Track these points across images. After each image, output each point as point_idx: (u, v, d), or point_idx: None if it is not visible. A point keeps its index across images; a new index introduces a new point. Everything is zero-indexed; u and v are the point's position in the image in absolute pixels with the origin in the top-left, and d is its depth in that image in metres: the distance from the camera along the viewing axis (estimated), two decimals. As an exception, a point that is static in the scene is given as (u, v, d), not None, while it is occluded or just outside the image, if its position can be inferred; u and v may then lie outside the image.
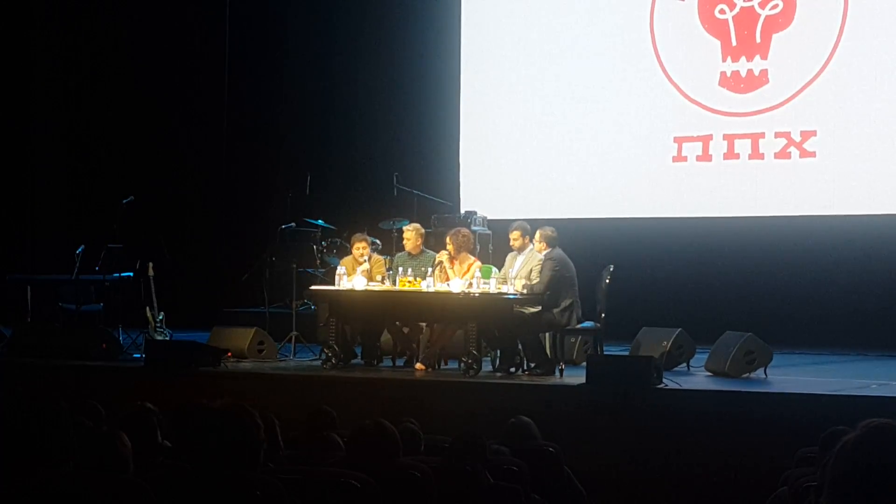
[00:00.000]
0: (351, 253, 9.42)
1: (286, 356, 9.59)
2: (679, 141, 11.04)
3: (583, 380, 7.77)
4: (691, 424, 7.16)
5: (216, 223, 13.07)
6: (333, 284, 9.08)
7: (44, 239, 13.13)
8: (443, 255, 8.95)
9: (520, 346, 8.62)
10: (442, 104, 12.17)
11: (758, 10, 10.72)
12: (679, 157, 11.04)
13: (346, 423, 5.26)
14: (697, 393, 7.72)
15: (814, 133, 10.52)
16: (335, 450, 4.79)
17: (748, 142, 10.77)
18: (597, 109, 11.41)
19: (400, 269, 8.94)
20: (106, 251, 10.51)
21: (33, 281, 11.44)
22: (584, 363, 8.24)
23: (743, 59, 10.77)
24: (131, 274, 10.59)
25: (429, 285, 8.59)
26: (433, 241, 9.59)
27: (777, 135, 10.65)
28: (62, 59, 13.53)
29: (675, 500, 6.90)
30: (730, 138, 10.84)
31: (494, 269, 9.04)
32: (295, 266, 10.16)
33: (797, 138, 10.59)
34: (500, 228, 9.63)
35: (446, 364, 8.93)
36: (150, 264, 10.16)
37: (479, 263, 8.94)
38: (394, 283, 8.84)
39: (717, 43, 10.88)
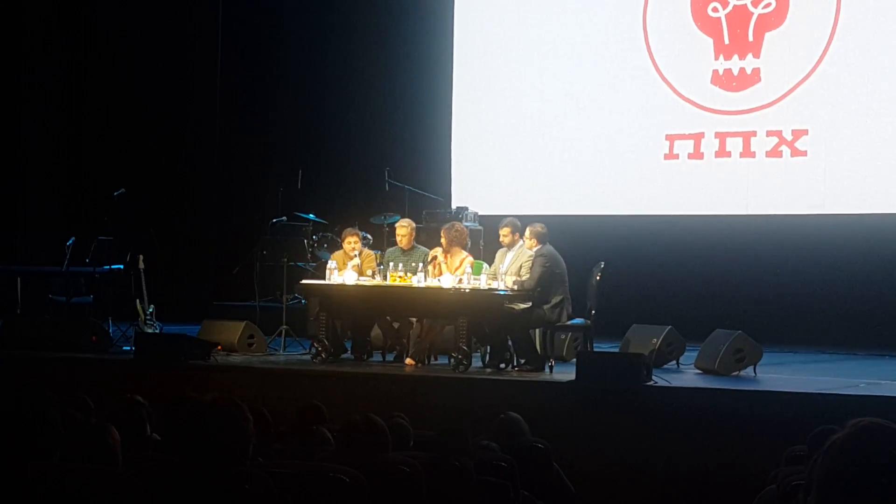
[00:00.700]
0: (342, 247, 9.41)
1: (276, 350, 9.58)
2: (671, 138, 11.05)
3: (572, 376, 7.78)
4: (681, 422, 7.17)
5: (207, 216, 13.05)
6: (324, 279, 9.07)
7: (34, 231, 13.09)
8: (437, 251, 8.95)
9: (510, 342, 8.62)
10: (434, 99, 12.16)
11: (750, 8, 10.73)
12: (671, 155, 11.06)
13: (336, 417, 5.26)
14: (687, 391, 7.74)
15: (805, 132, 10.54)
16: (324, 444, 4.78)
17: (740, 140, 10.79)
18: (589, 106, 11.42)
19: (391, 263, 8.93)
20: (96, 243, 10.49)
21: (23, 272, 11.41)
22: (574, 360, 8.24)
23: (735, 57, 10.79)
24: (122, 266, 10.57)
25: (419, 280, 8.59)
26: (424, 237, 9.59)
27: (769, 133, 10.67)
28: (54, 51, 13.49)
29: (664, 498, 6.92)
30: (721, 136, 10.86)
31: (485, 265, 9.04)
32: (286, 260, 10.15)
33: (789, 137, 10.61)
34: (491, 224, 9.63)
35: (436, 359, 8.93)
36: (141, 257, 10.15)
37: (470, 259, 8.94)
38: (384, 277, 8.83)
39: (710, 41, 10.90)
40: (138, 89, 13.07)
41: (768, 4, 10.65)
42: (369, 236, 10.08)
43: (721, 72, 10.84)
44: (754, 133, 10.72)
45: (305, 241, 10.83)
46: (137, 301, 10.00)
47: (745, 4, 10.75)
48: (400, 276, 8.69)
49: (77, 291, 10.87)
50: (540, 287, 8.49)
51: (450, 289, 8.46)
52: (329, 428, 5.02)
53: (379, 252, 9.67)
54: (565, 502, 5.64)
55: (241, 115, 13.20)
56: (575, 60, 11.47)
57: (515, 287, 8.47)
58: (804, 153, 10.55)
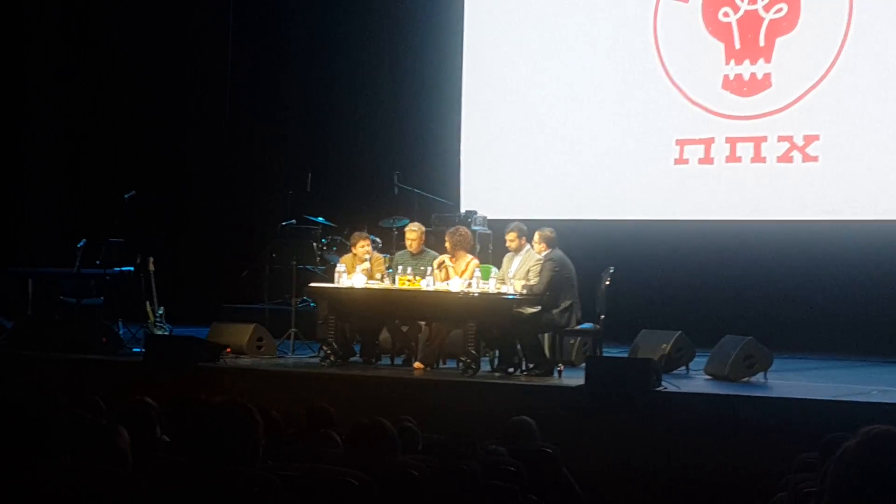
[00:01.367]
0: (351, 251, 9.41)
1: (285, 353, 9.59)
2: (681, 143, 11.03)
3: (581, 381, 7.77)
4: (690, 428, 7.15)
5: (217, 219, 13.07)
6: (333, 282, 9.08)
7: (45, 232, 13.13)
8: (444, 258, 8.95)
9: (518, 347, 8.61)
10: (444, 103, 12.16)
11: (762, 13, 10.71)
12: (681, 160, 11.03)
13: (344, 420, 5.25)
14: (696, 396, 7.71)
15: (816, 137, 10.51)
16: (333, 447, 4.79)
17: (750, 145, 10.76)
18: (599, 111, 11.40)
19: (399, 267, 8.93)
20: (107, 245, 10.52)
21: (34, 274, 11.44)
22: (583, 364, 8.23)
23: (746, 62, 10.76)
24: (132, 268, 10.60)
25: (428, 284, 8.59)
26: (433, 241, 9.59)
27: (780, 139, 10.64)
28: (64, 51, 13.52)
29: (672, 503, 6.90)
30: (732, 141, 10.83)
31: (494, 269, 9.04)
32: (295, 263, 10.16)
33: (800, 142, 10.58)
34: (500, 228, 9.61)
35: (445, 363, 8.93)
36: (151, 259, 10.17)
37: (476, 262, 8.94)
38: (393, 281, 8.84)
39: (721, 46, 10.87)
40: (149, 92, 13.10)
41: (780, 9, 10.63)
42: (378, 240, 10.08)
43: (732, 77, 10.82)
44: (765, 138, 10.69)
45: (315, 244, 10.84)
46: (147, 303, 10.02)
47: (757, 9, 10.73)
48: (409, 280, 8.69)
49: (87, 293, 10.89)
50: (549, 291, 8.48)
51: (458, 293, 8.45)
52: (337, 431, 5.03)
53: (388, 256, 9.67)
54: (574, 507, 5.62)
55: (251, 118, 13.22)
56: (585, 65, 11.46)
57: (524, 291, 8.46)
58: (815, 159, 10.52)
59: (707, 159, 10.94)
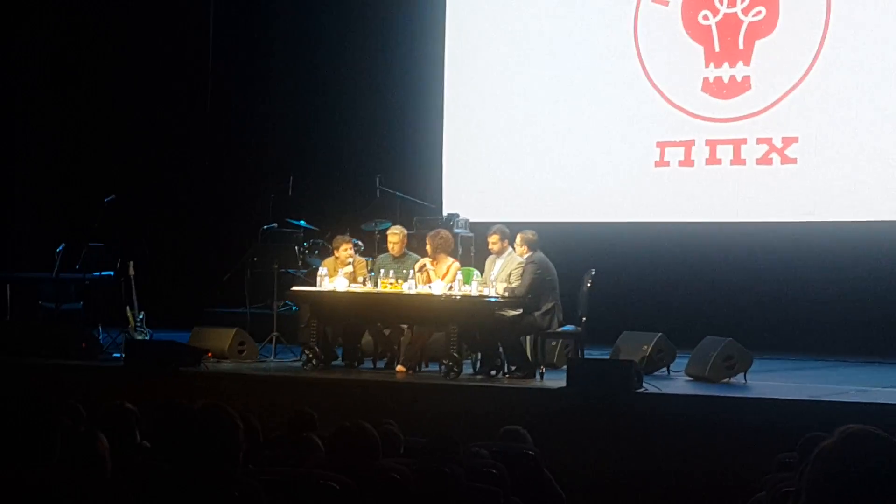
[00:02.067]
0: (333, 254, 9.40)
1: (267, 357, 9.57)
2: (661, 146, 11.07)
3: (563, 383, 7.79)
4: (671, 429, 7.18)
5: (198, 223, 13.03)
6: (315, 285, 9.06)
7: (24, 237, 13.06)
8: (425, 261, 8.95)
9: (500, 349, 8.62)
10: (426, 106, 12.17)
11: (741, 16, 10.77)
12: (661, 162, 11.07)
13: (327, 424, 5.25)
14: (677, 397, 7.75)
15: (795, 140, 10.57)
16: (315, 451, 4.78)
17: (730, 147, 10.81)
18: (580, 113, 11.43)
19: (382, 270, 8.93)
20: (86, 250, 10.47)
21: (13, 279, 11.38)
22: (565, 366, 8.25)
23: (726, 64, 10.82)
24: (112, 273, 10.54)
25: (410, 287, 8.59)
26: (415, 244, 9.59)
27: (759, 141, 10.70)
28: (46, 55, 13.46)
29: (654, 504, 6.92)
30: (712, 144, 10.88)
31: (476, 272, 9.04)
32: (276, 267, 10.14)
33: (779, 144, 10.64)
34: (482, 231, 9.62)
35: (427, 366, 8.93)
36: (131, 263, 10.13)
37: (457, 265, 8.95)
38: (375, 284, 8.83)
39: (701, 49, 10.92)
40: (129, 96, 13.05)
41: (759, 12, 10.69)
42: (360, 243, 10.07)
43: (712, 79, 10.87)
44: (745, 140, 10.75)
45: (296, 247, 10.83)
46: (127, 308, 9.98)
47: (736, 12, 10.79)
48: (391, 283, 8.69)
49: (67, 298, 10.84)
50: (531, 294, 8.49)
51: (441, 296, 8.46)
52: (319, 435, 5.02)
53: (370, 259, 9.67)
54: (556, 509, 5.63)
55: (232, 122, 13.18)
56: (566, 68, 11.49)
57: (506, 294, 8.47)
58: (794, 161, 10.58)
59: (687, 161, 10.99)
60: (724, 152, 10.83)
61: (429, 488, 4.34)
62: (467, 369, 8.65)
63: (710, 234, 10.88)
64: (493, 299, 8.44)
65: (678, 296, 10.78)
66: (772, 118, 10.62)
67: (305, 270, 10.60)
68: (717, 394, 7.79)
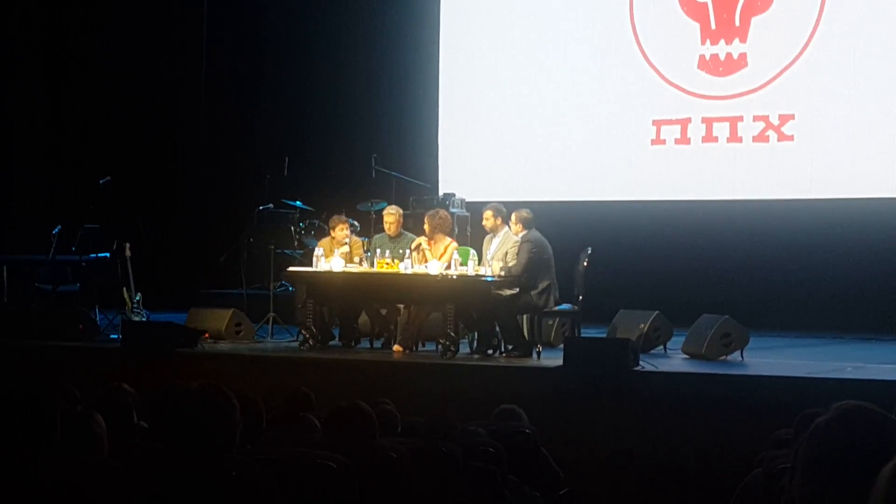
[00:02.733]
0: (329, 234, 9.39)
1: (263, 337, 9.57)
2: (657, 124, 11.05)
3: (560, 362, 7.79)
4: (668, 407, 7.19)
5: (194, 204, 13.01)
6: (311, 266, 9.06)
7: (20, 219, 13.03)
8: (422, 240, 8.94)
9: (497, 329, 8.63)
10: (421, 86, 12.13)
11: (737, -7, 10.72)
12: (657, 140, 11.05)
13: (323, 404, 5.26)
14: (674, 375, 7.76)
15: (792, 117, 10.55)
16: (312, 431, 4.79)
17: (726, 125, 10.79)
18: (576, 92, 11.40)
19: (378, 250, 8.92)
20: (83, 231, 10.45)
21: (9, 261, 11.36)
22: (562, 345, 8.26)
23: (722, 42, 10.78)
24: (108, 255, 10.53)
25: (407, 267, 8.59)
26: (411, 224, 9.58)
27: (755, 118, 10.68)
28: (39, 38, 13.39)
29: (651, 482, 6.94)
30: (708, 121, 10.86)
31: (473, 252, 9.04)
32: (272, 247, 10.12)
33: (775, 122, 10.62)
34: (478, 211, 9.61)
35: (424, 346, 8.93)
36: (128, 245, 10.11)
37: (455, 245, 8.94)
38: (371, 264, 8.83)
39: (697, 26, 10.89)
40: (124, 77, 12.99)
41: (754, -11, 10.64)
42: (356, 223, 10.06)
43: (708, 57, 10.84)
44: (741, 118, 10.73)
45: (292, 228, 10.81)
46: (124, 289, 9.97)
47: (732, -11, 10.74)
48: (387, 263, 8.68)
49: (63, 280, 10.83)
50: (527, 273, 8.49)
51: (437, 275, 8.46)
52: (316, 415, 5.02)
53: (366, 239, 9.66)
54: (553, 487, 5.66)
55: (228, 102, 13.14)
56: (562, 46, 11.45)
57: (503, 273, 8.47)
58: (791, 138, 10.56)
59: (684, 139, 10.97)
60: (721, 130, 10.81)
61: (425, 467, 4.35)
62: (464, 349, 8.66)
63: (706, 211, 10.87)
64: (489, 279, 8.44)
65: (675, 274, 10.78)
66: (768, 95, 10.60)
67: (301, 251, 10.59)
68: (714, 371, 7.80)
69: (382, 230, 9.33)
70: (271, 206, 10.95)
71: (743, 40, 10.69)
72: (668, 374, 7.74)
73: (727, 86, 10.75)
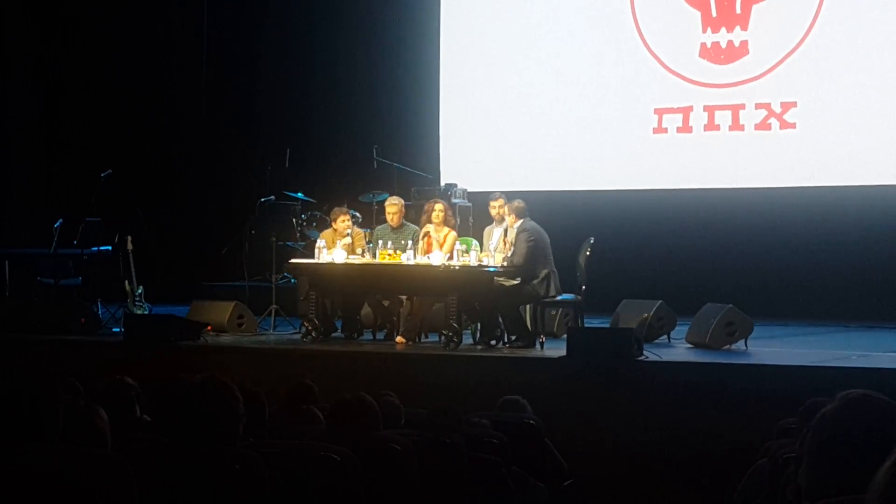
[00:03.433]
0: (331, 226, 9.38)
1: (266, 330, 9.56)
2: (659, 112, 11.02)
3: (563, 352, 7.78)
4: (672, 396, 7.18)
5: (195, 196, 13.00)
6: (313, 257, 9.05)
7: (21, 213, 13.02)
8: (429, 227, 8.93)
9: (500, 319, 8.61)
10: (422, 76, 12.10)
11: (738, -20, 10.68)
12: (659, 129, 11.03)
13: (326, 396, 5.24)
14: (678, 365, 7.74)
15: (794, 104, 10.52)
16: (315, 423, 4.78)
17: (728, 113, 10.76)
18: (577, 81, 11.38)
19: (380, 241, 8.91)
20: (84, 225, 10.44)
21: (11, 255, 11.36)
22: (565, 336, 8.24)
23: (723, 30, 10.75)
24: (110, 248, 10.53)
25: (409, 258, 8.57)
26: (413, 214, 9.57)
27: (757, 106, 10.65)
28: (39, 31, 13.37)
29: (656, 472, 6.93)
30: (710, 110, 10.83)
31: (475, 242, 9.02)
32: (275, 239, 10.12)
33: (777, 109, 10.59)
34: (480, 201, 9.60)
35: (426, 337, 8.92)
36: (129, 238, 10.11)
37: (454, 235, 8.93)
38: (374, 256, 8.82)
39: (698, 14, 10.85)
40: (125, 69, 12.98)
41: (756, -24, 10.60)
42: (358, 214, 10.05)
43: (709, 45, 10.80)
44: (743, 106, 10.70)
45: (294, 219, 10.81)
46: (126, 282, 9.97)
47: (733, -23, 10.70)
48: (389, 254, 8.67)
49: (65, 273, 10.83)
50: (528, 263, 8.47)
51: (440, 266, 8.44)
52: (319, 407, 5.01)
53: (368, 230, 9.65)
54: (557, 478, 5.65)
55: (228, 94, 13.12)
56: (563, 35, 11.42)
57: (504, 263, 8.46)
58: (793, 125, 10.54)
59: (685, 128, 10.94)
60: (723, 118, 10.78)
61: (429, 459, 4.34)
62: (467, 340, 8.65)
63: (709, 200, 10.85)
64: (491, 269, 8.42)
65: (678, 263, 10.76)
66: (770, 83, 10.57)
67: (304, 243, 10.58)
68: (718, 361, 7.78)
69: (384, 221, 9.32)
70: (273, 197, 10.94)
71: (744, 28, 10.66)
72: (672, 363, 7.72)
73: (729, 74, 10.72)
